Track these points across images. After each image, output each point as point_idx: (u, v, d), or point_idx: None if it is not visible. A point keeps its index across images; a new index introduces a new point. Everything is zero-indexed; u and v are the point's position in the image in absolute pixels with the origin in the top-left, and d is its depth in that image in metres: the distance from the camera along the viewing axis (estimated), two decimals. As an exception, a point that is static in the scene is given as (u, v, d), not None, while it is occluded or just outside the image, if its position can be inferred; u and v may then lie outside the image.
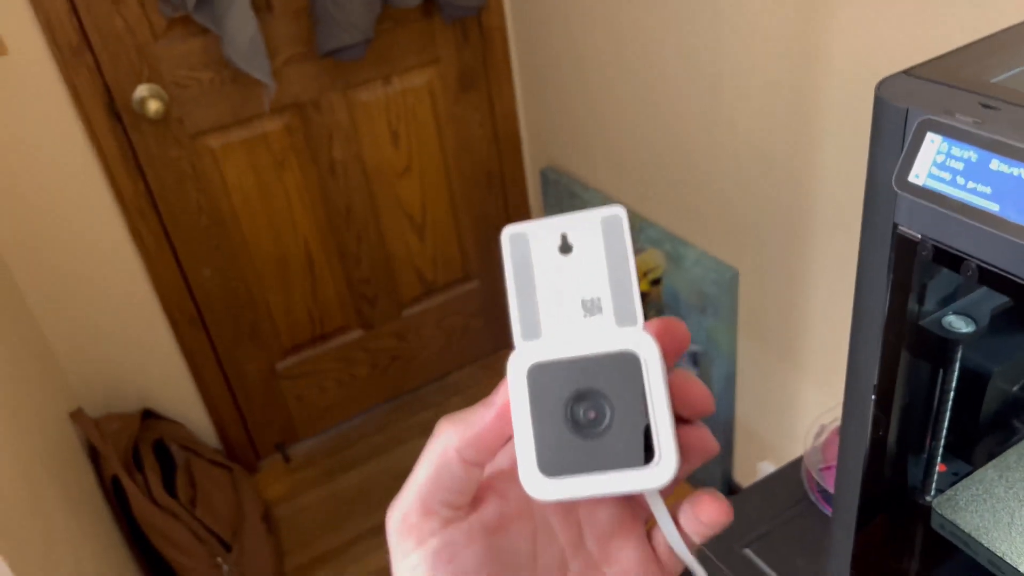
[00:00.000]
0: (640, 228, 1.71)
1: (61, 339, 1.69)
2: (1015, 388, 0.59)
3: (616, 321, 0.28)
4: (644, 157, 1.64)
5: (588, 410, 0.28)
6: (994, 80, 0.43)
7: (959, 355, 0.51)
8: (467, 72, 1.90)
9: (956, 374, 0.52)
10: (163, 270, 1.74)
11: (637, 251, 1.76)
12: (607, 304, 0.28)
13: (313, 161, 1.82)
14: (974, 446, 0.60)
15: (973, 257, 0.41)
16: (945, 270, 0.49)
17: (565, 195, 1.93)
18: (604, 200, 1.80)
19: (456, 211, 2.04)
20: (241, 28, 1.53)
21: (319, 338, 2.02)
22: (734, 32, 1.29)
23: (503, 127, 1.99)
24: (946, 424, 0.55)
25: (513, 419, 0.28)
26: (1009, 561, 0.52)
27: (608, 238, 0.28)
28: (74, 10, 1.47)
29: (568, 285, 0.28)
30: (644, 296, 1.77)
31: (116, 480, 1.59)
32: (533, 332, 0.28)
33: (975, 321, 0.50)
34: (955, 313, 0.51)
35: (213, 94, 1.65)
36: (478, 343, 2.26)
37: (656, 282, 1.73)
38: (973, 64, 0.45)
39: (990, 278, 0.41)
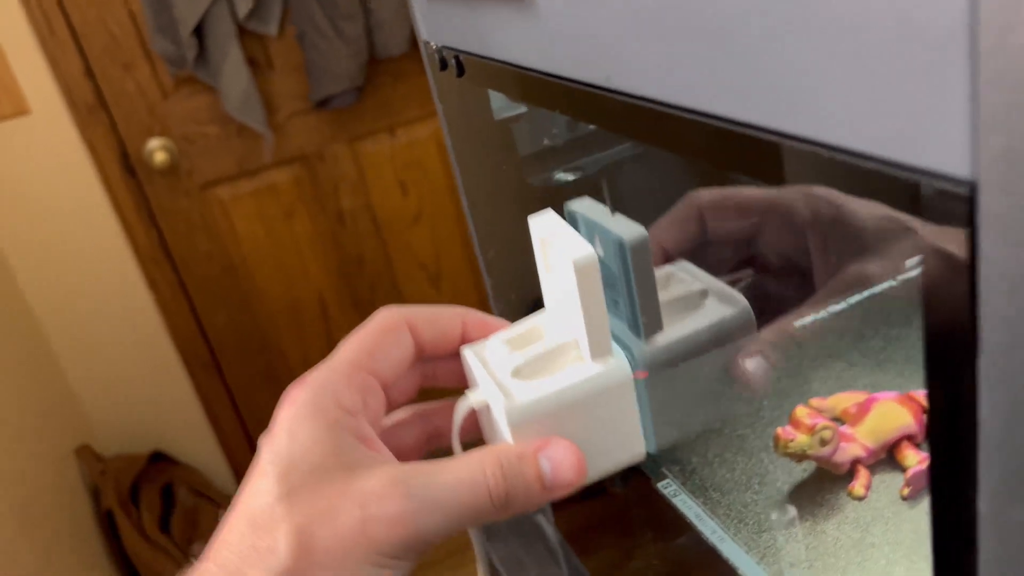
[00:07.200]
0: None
1: (82, 381, 1.79)
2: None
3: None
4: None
5: None
6: None
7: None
8: (472, 121, 1.92)
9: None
10: (178, 316, 1.82)
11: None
12: None
13: (322, 211, 1.88)
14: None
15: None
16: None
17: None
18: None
19: (471, 260, 2.03)
20: (235, 81, 1.63)
21: (337, 389, 2.03)
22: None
23: (515, 174, 1.99)
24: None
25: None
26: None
27: None
28: (89, 72, 1.62)
29: None
30: None
31: (111, 515, 1.63)
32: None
33: (583, 170, 0.43)
34: (563, 170, 0.44)
35: (220, 147, 1.75)
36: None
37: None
38: None
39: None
